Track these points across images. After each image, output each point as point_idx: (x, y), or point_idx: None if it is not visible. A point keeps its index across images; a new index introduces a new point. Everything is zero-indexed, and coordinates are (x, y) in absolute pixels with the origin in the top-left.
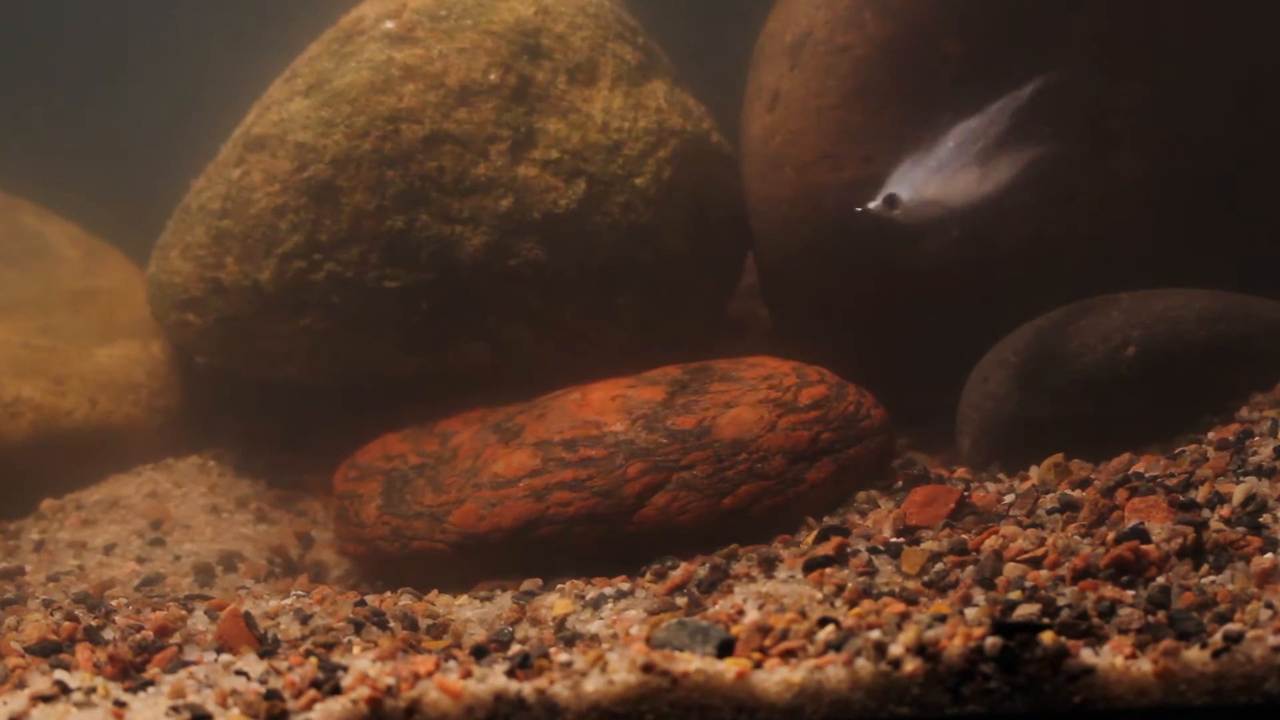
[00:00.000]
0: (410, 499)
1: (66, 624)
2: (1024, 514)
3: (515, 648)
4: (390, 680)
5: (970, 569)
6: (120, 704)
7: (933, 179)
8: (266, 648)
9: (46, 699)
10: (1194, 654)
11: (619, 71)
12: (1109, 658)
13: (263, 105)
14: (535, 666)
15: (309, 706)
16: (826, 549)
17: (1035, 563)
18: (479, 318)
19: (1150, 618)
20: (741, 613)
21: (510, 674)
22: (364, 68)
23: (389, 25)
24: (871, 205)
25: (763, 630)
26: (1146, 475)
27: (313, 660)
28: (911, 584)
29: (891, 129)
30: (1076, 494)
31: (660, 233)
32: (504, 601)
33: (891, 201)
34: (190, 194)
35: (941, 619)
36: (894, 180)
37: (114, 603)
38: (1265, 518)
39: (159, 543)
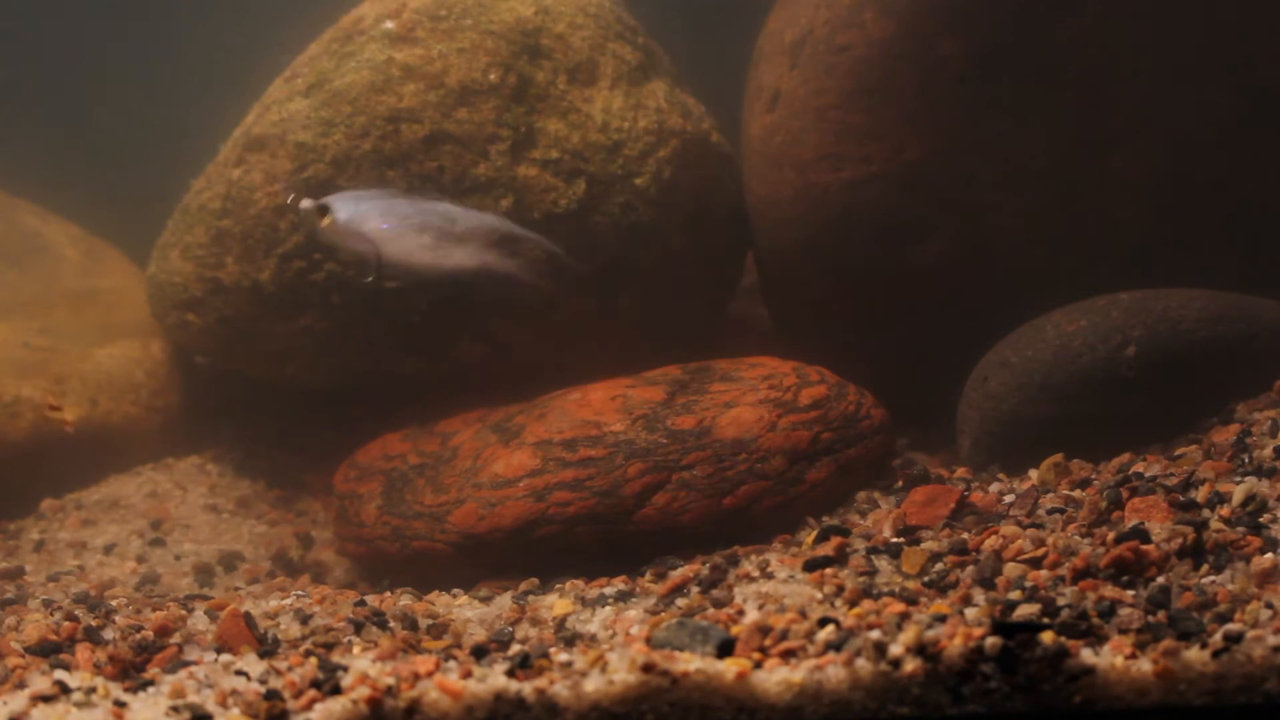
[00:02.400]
0: (410, 499)
1: (66, 624)
2: (1024, 514)
3: (515, 648)
4: (390, 680)
5: (970, 569)
6: (120, 704)
7: (376, 220)
8: (266, 648)
9: (46, 699)
10: (1194, 654)
11: (619, 71)
12: (1109, 658)
13: (263, 105)
14: (535, 666)
15: (309, 706)
16: (826, 549)
17: (1035, 563)
18: (479, 318)
19: (1150, 618)
20: (741, 613)
21: (510, 674)
22: (364, 68)
23: (389, 25)
24: (304, 203)
25: (763, 630)
26: (1146, 475)
27: (313, 660)
28: (911, 584)
29: (891, 129)
30: (1076, 494)
31: (660, 233)
32: (504, 601)
33: (323, 209)
34: (190, 194)
35: (941, 619)
36: (344, 198)
37: (114, 603)
38: (1265, 518)
39: (159, 543)
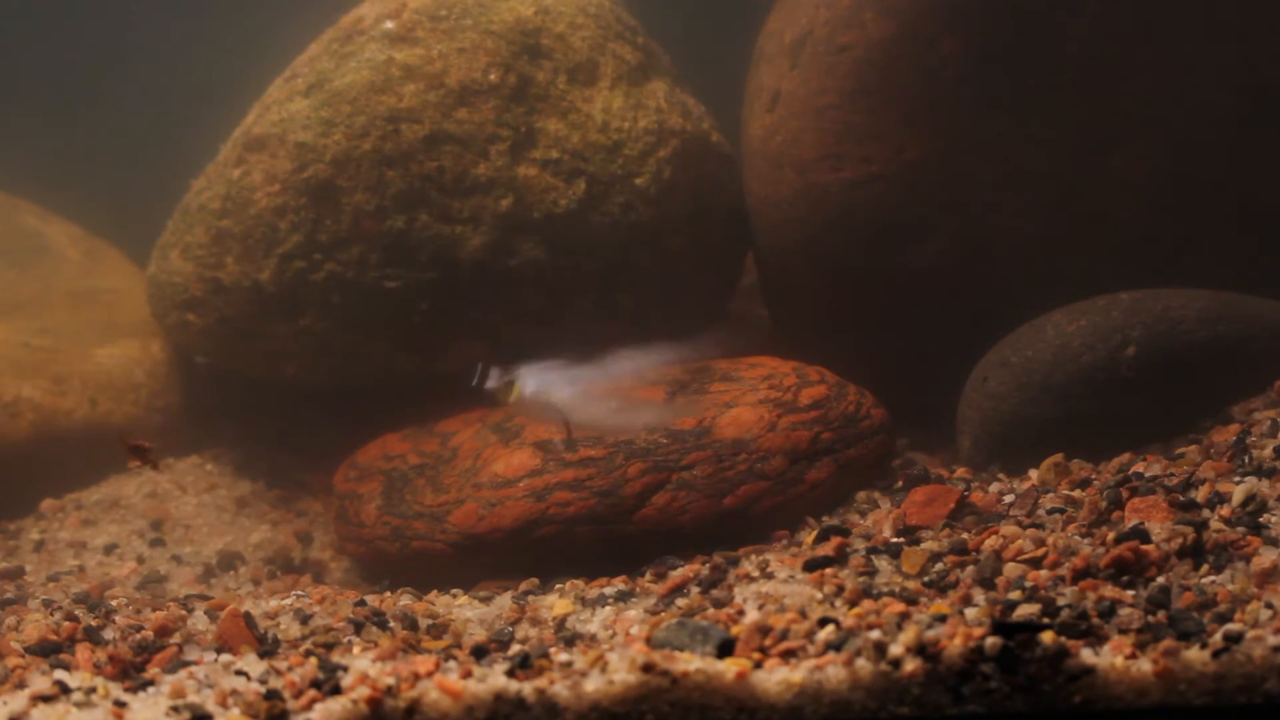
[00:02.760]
0: (410, 499)
1: (66, 624)
2: (1024, 514)
3: (515, 648)
4: (390, 680)
5: (970, 569)
6: (120, 704)
7: (559, 391)
8: (266, 648)
9: (46, 699)
10: (1194, 654)
11: (619, 71)
12: (1109, 658)
13: (263, 105)
14: (535, 666)
15: (309, 706)
16: (826, 549)
17: (1035, 563)
18: (479, 318)
19: (1150, 618)
20: (741, 613)
21: (510, 674)
22: (364, 68)
23: (389, 25)
24: (491, 381)
25: (763, 630)
26: (1146, 475)
27: (313, 660)
28: (911, 584)
29: (891, 129)
30: (1076, 494)
31: (660, 233)
32: (504, 601)
33: (508, 386)
34: (190, 194)
35: (941, 619)
36: (532, 373)
37: (114, 603)
38: (1265, 518)
39: (159, 543)
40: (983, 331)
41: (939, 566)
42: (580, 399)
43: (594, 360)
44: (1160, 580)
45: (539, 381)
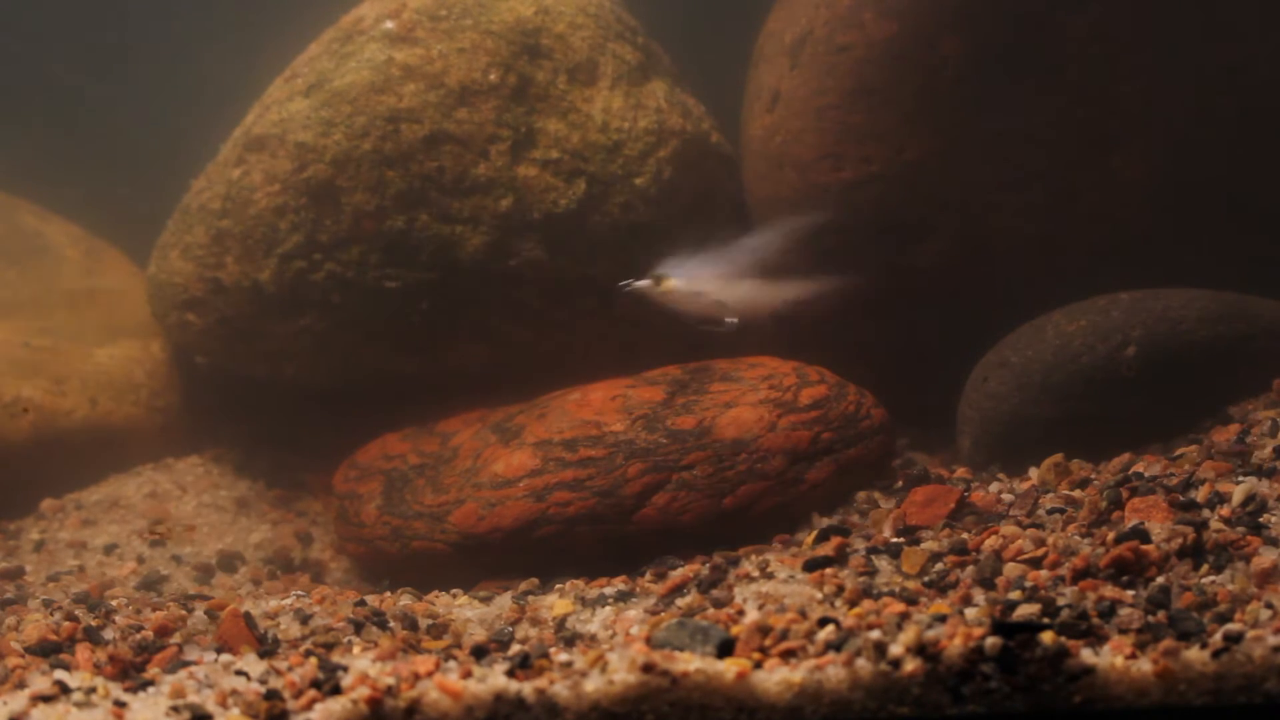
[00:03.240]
0: (410, 499)
1: (66, 624)
2: (1024, 514)
3: (515, 648)
4: (390, 680)
5: (970, 569)
6: (120, 704)
7: (709, 276)
8: (266, 648)
9: (46, 699)
10: (1194, 654)
11: (619, 71)
12: (1109, 658)
13: (263, 105)
14: (535, 666)
15: (309, 706)
16: (826, 549)
17: (1035, 563)
18: (479, 318)
19: (1150, 618)
20: (741, 613)
21: (510, 674)
22: (364, 68)
23: (389, 25)
24: (642, 282)
25: (763, 630)
26: (1146, 475)
27: (313, 660)
28: (911, 584)
29: (891, 129)
30: (1076, 494)
31: (660, 233)
32: (504, 601)
33: (657, 280)
34: (190, 194)
35: (941, 619)
36: (673, 266)
37: (114, 603)
38: (1265, 518)
39: (159, 543)
40: (983, 331)
41: (939, 566)
42: (726, 282)
43: (727, 253)
44: (1160, 580)
45: (685, 272)
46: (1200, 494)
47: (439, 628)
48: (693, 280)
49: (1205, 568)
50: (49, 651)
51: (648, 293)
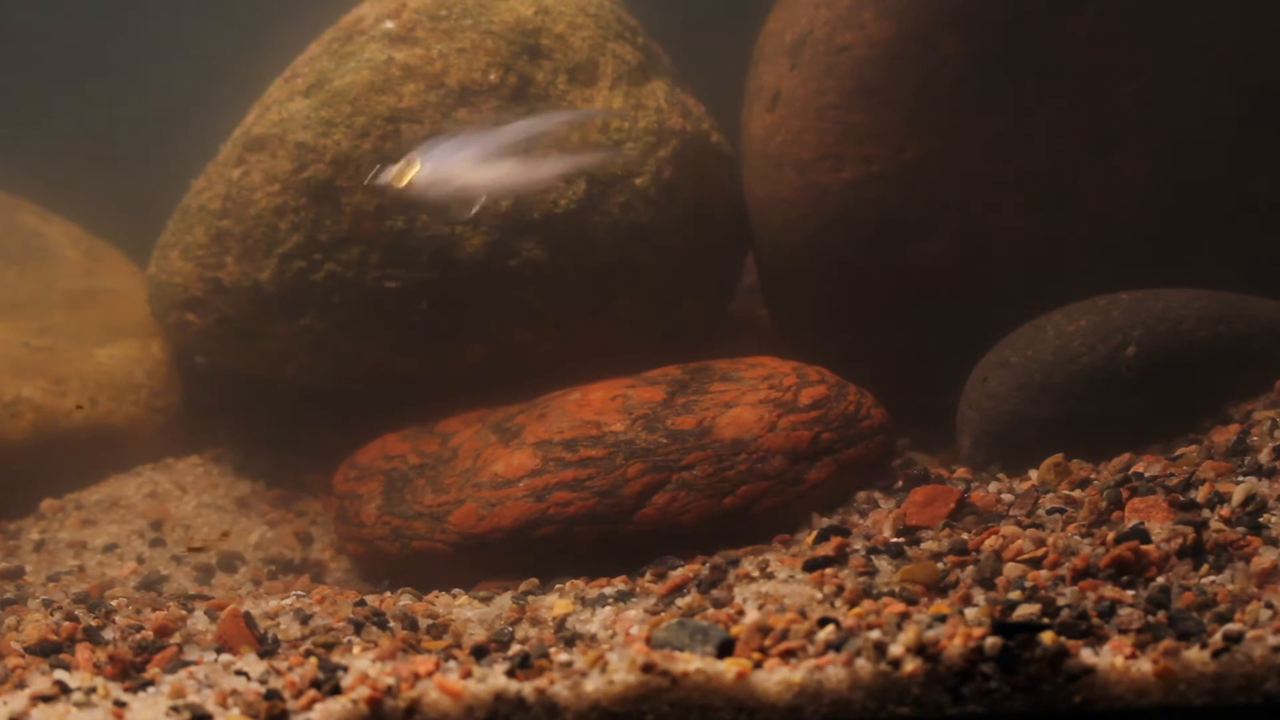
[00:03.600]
0: (410, 499)
1: (66, 624)
2: (1024, 514)
3: (515, 648)
4: (390, 680)
5: (970, 569)
6: (120, 704)
7: (460, 159)
8: (266, 648)
9: (46, 699)
10: (1194, 654)
11: (619, 71)
12: (1109, 658)
13: (263, 105)
14: (535, 666)
15: (309, 706)
16: (826, 549)
17: (1035, 563)
18: (479, 318)
19: (1150, 618)
20: (741, 613)
21: (510, 674)
22: (364, 67)
23: (389, 25)
24: (388, 169)
25: (763, 630)
26: (1146, 475)
27: (313, 660)
28: (912, 584)
29: (891, 129)
30: (1076, 494)
31: (660, 233)
32: (504, 601)
33: (408, 164)
34: (190, 194)
35: (941, 619)
36: (420, 151)
37: (114, 603)
38: (1265, 518)
39: (159, 543)
40: (983, 331)
41: (939, 566)
42: (476, 164)
43: (489, 132)
44: (1160, 580)
45: (436, 158)
46: (1200, 494)
47: (439, 628)
48: (440, 166)
49: (1205, 568)
50: (49, 651)
51: (394, 184)
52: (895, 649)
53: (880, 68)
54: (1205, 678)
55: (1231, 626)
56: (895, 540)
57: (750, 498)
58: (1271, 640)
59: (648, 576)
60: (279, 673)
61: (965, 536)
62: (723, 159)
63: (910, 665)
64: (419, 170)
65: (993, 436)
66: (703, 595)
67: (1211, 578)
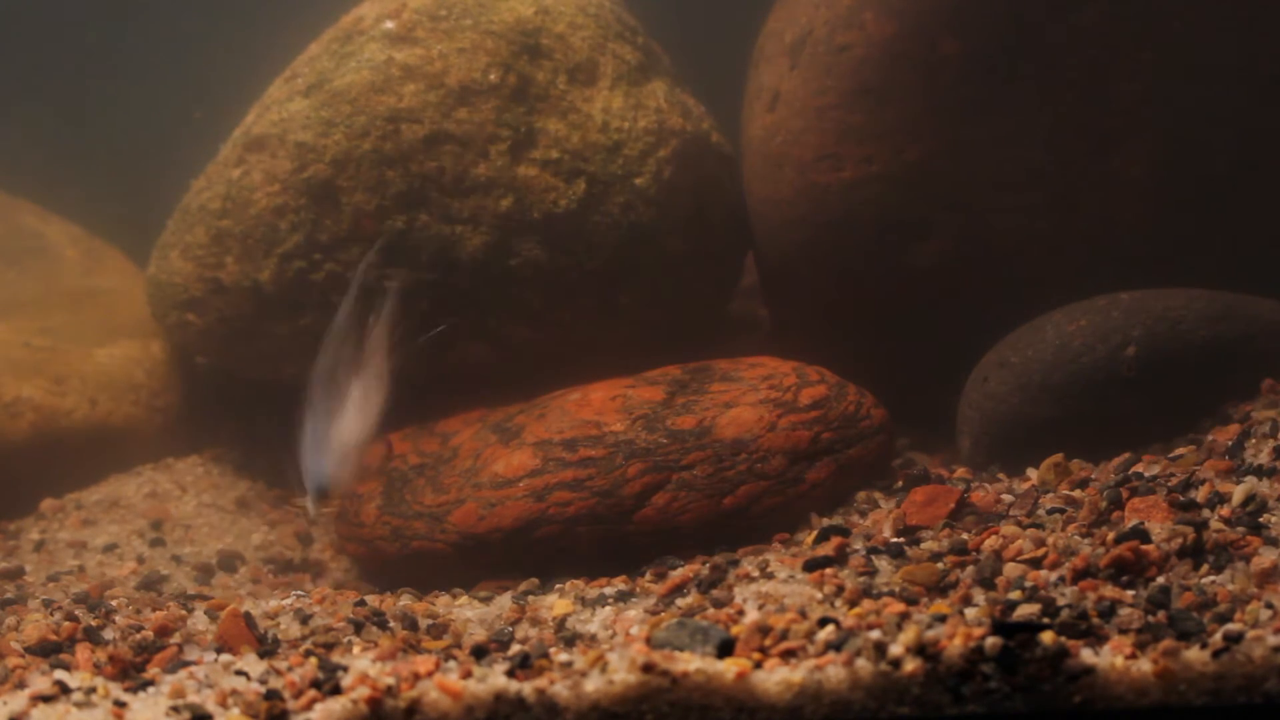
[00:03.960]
0: (410, 499)
1: (66, 624)
2: (1024, 514)
3: (515, 648)
4: (390, 680)
5: (970, 569)
6: (120, 704)
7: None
8: (266, 648)
9: (46, 699)
10: (1194, 654)
11: (619, 71)
12: (1109, 658)
13: (263, 105)
14: (535, 666)
15: (309, 706)
16: (826, 549)
17: (1035, 563)
18: (479, 318)
19: (1150, 618)
20: (741, 613)
21: (510, 674)
22: (364, 68)
23: (389, 25)
24: (307, 504)
25: (763, 630)
26: (1146, 475)
27: (313, 660)
28: (912, 584)
29: (891, 129)
30: (1076, 494)
31: (660, 233)
32: (504, 601)
33: (322, 493)
34: (190, 194)
35: (941, 619)
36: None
37: (114, 603)
38: (1265, 518)
39: (159, 543)
40: (983, 331)
41: (939, 566)
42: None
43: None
44: (1160, 580)
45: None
46: (1200, 494)
47: (439, 628)
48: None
49: (1205, 568)
50: (49, 651)
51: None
52: (895, 649)
53: (880, 68)
54: (1205, 678)
55: (1231, 626)
56: (895, 540)
57: (750, 498)
58: (1271, 640)
59: (648, 576)
60: (279, 673)
61: (965, 536)
62: (723, 159)
63: (910, 665)
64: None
65: (993, 436)
66: (703, 595)
67: (1211, 578)
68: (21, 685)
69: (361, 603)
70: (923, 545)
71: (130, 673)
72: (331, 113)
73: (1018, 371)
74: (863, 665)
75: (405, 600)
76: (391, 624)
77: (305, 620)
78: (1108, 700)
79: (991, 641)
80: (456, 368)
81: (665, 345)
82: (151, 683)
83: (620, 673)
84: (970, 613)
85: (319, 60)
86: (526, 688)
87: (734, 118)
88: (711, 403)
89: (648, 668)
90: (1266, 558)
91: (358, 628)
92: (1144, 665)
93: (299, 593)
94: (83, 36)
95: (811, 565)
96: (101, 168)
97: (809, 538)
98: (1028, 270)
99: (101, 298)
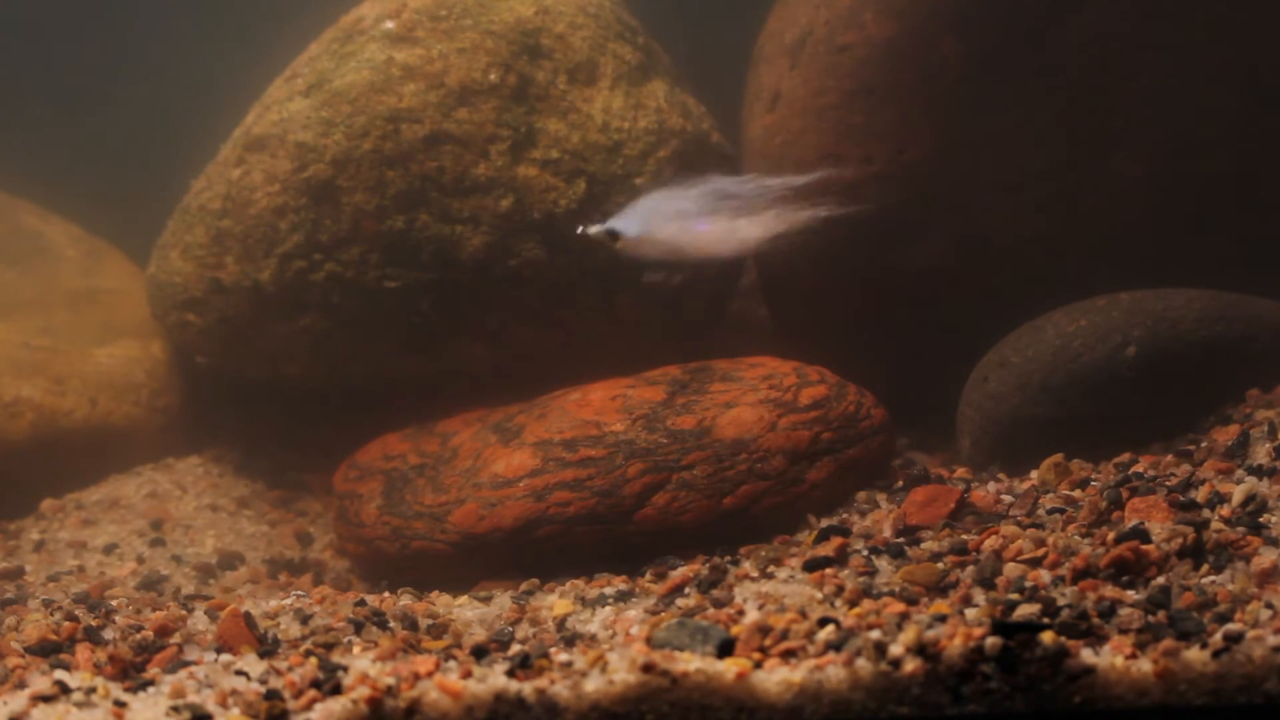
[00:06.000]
0: (410, 499)
1: (66, 624)
2: (1024, 514)
3: (515, 648)
4: (390, 680)
5: (970, 569)
6: (120, 704)
7: (665, 223)
8: (266, 648)
9: (46, 699)
10: (1194, 654)
11: (619, 71)
12: (1109, 658)
13: (263, 105)
14: (535, 666)
15: (309, 706)
16: (827, 549)
17: (1035, 563)
18: (479, 318)
19: (1150, 618)
20: (742, 613)
21: (510, 674)
22: (364, 68)
23: (389, 25)
24: (592, 230)
25: (763, 630)
26: (1146, 475)
27: (313, 660)
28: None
29: (891, 129)
30: (1076, 494)
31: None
32: (504, 601)
33: (614, 234)
34: (190, 194)
35: (942, 619)
36: (626, 215)
37: (114, 603)
38: (1265, 518)
39: (159, 543)
40: (983, 331)
41: (939, 566)
42: (687, 230)
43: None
44: (1160, 580)
45: (640, 224)
46: (1200, 494)
47: (439, 628)
48: (646, 232)
49: (1205, 568)
50: (49, 651)
51: (601, 241)
52: (895, 649)
53: (880, 68)
54: (1205, 678)
55: (1231, 626)
56: (895, 540)
57: (750, 498)
58: (1271, 640)
59: (648, 576)
60: (279, 673)
61: (965, 536)
62: (723, 159)
63: (910, 665)
64: (623, 241)
65: (993, 436)
66: (703, 595)
67: (1211, 578)
68: (21, 685)
69: (361, 603)
70: (923, 545)
71: (130, 673)
72: (331, 113)
73: (1018, 371)
74: (863, 665)
75: (405, 600)
76: (391, 624)
77: (305, 620)
78: (1108, 700)
79: (992, 641)
80: (456, 368)
81: (665, 345)
82: (151, 683)
83: (620, 673)
84: (970, 613)
85: (319, 60)
86: (526, 688)
87: (734, 118)
88: (711, 403)
89: (648, 668)
90: (1266, 558)
91: (358, 628)
92: (1144, 665)
93: (299, 593)
94: (83, 36)
95: (812, 565)
96: (101, 168)
97: (809, 538)
98: (1028, 270)
99: (101, 298)
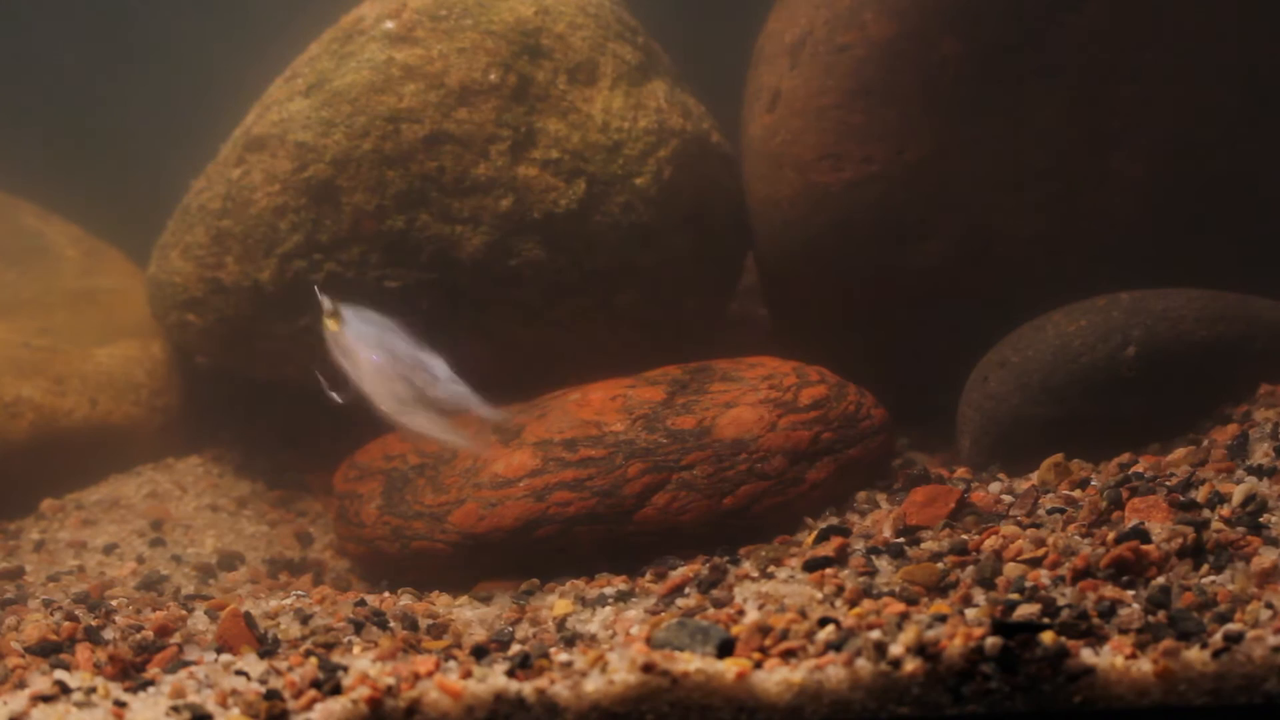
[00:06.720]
0: (410, 499)
1: (66, 624)
2: (1024, 514)
3: (515, 648)
4: (390, 680)
5: (970, 569)
6: (120, 704)
7: (371, 351)
8: (266, 648)
9: (46, 699)
10: (1194, 654)
11: (619, 71)
12: (1109, 658)
13: (263, 105)
14: (535, 666)
15: (309, 706)
16: (827, 549)
17: (1035, 563)
18: (479, 318)
19: (1150, 618)
20: (742, 612)
21: (510, 674)
22: (364, 68)
23: (389, 25)
24: (323, 299)
25: (763, 630)
26: (1146, 475)
27: (313, 660)
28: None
29: (891, 129)
30: (1076, 494)
31: (660, 233)
32: (504, 601)
33: (336, 313)
34: (190, 194)
35: (942, 619)
36: (358, 316)
37: (114, 603)
38: (1265, 518)
39: (159, 543)
40: (983, 331)
41: (939, 566)
42: (380, 370)
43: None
44: (1160, 580)
45: (357, 330)
46: (1200, 494)
47: (439, 628)
48: (356, 339)
49: (1205, 568)
50: (49, 651)
51: (319, 310)
52: (895, 649)
53: (880, 68)
54: (1205, 678)
55: (1232, 626)
56: (895, 540)
57: (750, 498)
58: (1271, 640)
59: (648, 576)
60: (279, 673)
61: (965, 536)
62: (723, 159)
63: (910, 665)
64: (337, 328)
65: (993, 436)
66: (703, 595)
67: (1212, 578)
68: (21, 685)
69: (361, 603)
70: (923, 545)
71: (130, 673)
72: (332, 113)
73: (1018, 371)
74: (863, 665)
75: (405, 600)
76: (391, 624)
77: (305, 620)
78: (1108, 700)
79: (992, 641)
80: (456, 367)
81: (665, 345)
82: (151, 683)
83: (620, 673)
84: (970, 613)
85: (319, 60)
86: (526, 688)
87: (734, 118)
88: (711, 403)
89: (648, 668)
90: (1267, 558)
91: (358, 628)
92: (1144, 665)
93: (299, 593)
94: (83, 36)
95: (812, 565)
96: (101, 168)
97: (809, 538)
98: (1028, 270)
99: (101, 298)
